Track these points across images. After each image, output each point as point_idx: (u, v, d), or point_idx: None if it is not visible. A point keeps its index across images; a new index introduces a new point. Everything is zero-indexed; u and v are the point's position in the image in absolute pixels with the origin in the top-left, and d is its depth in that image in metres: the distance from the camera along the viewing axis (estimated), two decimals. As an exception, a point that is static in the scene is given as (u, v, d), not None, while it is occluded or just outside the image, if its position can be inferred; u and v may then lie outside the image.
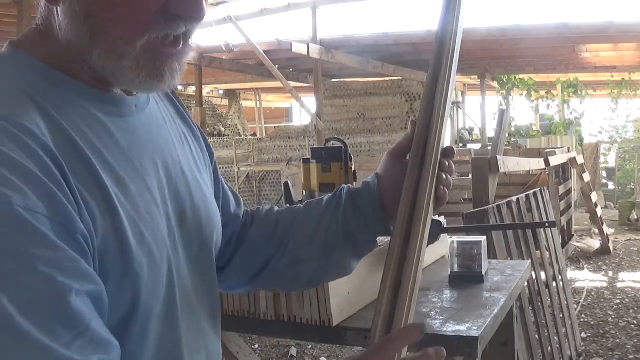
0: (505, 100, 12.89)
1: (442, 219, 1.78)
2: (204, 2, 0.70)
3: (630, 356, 3.69)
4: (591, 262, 6.39)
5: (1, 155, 0.58)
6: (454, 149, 0.91)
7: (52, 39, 0.71)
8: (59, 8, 0.69)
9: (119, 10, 0.67)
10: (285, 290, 1.44)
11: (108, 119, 0.72)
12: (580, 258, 6.51)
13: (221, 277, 0.98)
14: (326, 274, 1.02)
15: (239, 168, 10.96)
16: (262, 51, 8.02)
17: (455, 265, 1.81)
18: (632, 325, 4.26)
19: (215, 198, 0.95)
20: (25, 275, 0.55)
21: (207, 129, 12.21)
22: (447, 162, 0.89)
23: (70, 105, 0.69)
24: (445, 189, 0.88)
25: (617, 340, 3.96)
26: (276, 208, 1.05)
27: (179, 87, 11.79)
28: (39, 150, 0.61)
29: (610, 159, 14.03)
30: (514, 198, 3.40)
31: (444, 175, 0.88)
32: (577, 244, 6.88)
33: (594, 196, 7.09)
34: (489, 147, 5.29)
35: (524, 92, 13.02)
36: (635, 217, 8.72)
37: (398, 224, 0.84)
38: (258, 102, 15.13)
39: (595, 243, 6.96)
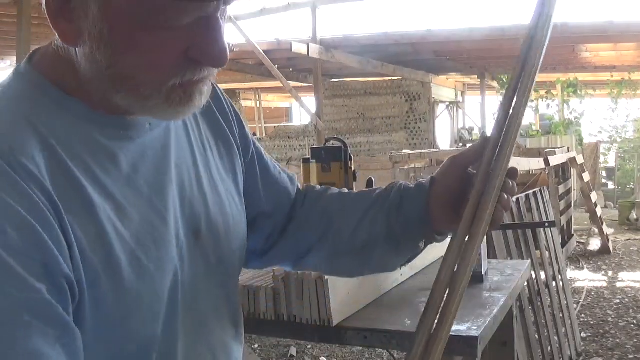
0: (505, 100, 12.85)
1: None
2: (224, 48, 0.68)
3: (630, 356, 3.69)
4: (591, 262, 6.39)
5: None
6: (517, 170, 0.86)
7: (68, 64, 0.70)
8: (78, 49, 0.68)
9: (141, 59, 0.66)
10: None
11: (114, 144, 0.72)
12: (580, 258, 6.51)
13: (271, 255, 1.00)
14: (366, 268, 1.00)
15: (239, 168, 10.94)
16: (262, 51, 8.02)
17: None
18: (632, 325, 4.25)
19: (253, 185, 0.96)
20: None
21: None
22: (510, 183, 0.83)
23: (75, 132, 0.69)
24: (503, 210, 0.82)
25: (617, 340, 3.96)
26: (332, 190, 1.02)
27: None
28: (35, 190, 0.61)
29: (610, 159, 14.03)
30: (514, 198, 3.39)
31: (505, 196, 0.82)
32: (590, 249, 6.89)
33: (594, 196, 7.09)
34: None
35: (524, 92, 12.97)
36: (635, 217, 8.71)
37: (457, 238, 0.79)
38: (258, 102, 15.12)
39: (597, 242, 6.98)
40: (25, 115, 0.66)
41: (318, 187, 1.05)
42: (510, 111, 0.83)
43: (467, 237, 0.79)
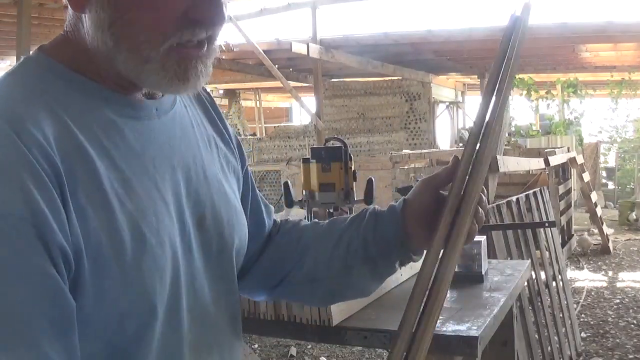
0: (505, 100, 12.85)
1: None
2: (223, 7, 0.71)
3: (630, 356, 3.70)
4: (591, 262, 6.39)
5: None
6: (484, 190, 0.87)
7: (78, 45, 0.74)
8: (86, 16, 0.72)
9: (142, 17, 0.69)
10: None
11: (123, 122, 0.74)
12: (580, 258, 6.51)
13: (243, 283, 0.99)
14: (343, 293, 1.01)
15: (239, 168, 10.95)
16: (262, 51, 8.01)
17: (456, 265, 1.81)
18: (632, 325, 4.26)
19: (244, 203, 0.96)
20: None
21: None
22: (483, 197, 0.85)
23: (86, 108, 0.72)
24: (477, 224, 0.84)
25: (617, 340, 3.96)
26: (304, 222, 1.04)
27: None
28: (38, 157, 0.62)
29: (610, 159, 14.03)
30: (514, 198, 3.40)
31: (480, 210, 0.84)
32: (579, 248, 6.88)
33: (594, 196, 7.09)
34: (489, 147, 5.27)
35: (524, 92, 13.01)
36: (635, 217, 8.72)
37: (431, 254, 0.81)
38: (258, 102, 15.11)
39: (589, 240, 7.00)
40: (36, 91, 0.69)
41: (291, 219, 1.07)
42: (484, 127, 0.84)
43: (444, 250, 0.80)
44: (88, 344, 0.65)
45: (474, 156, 0.84)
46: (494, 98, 0.84)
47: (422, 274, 0.80)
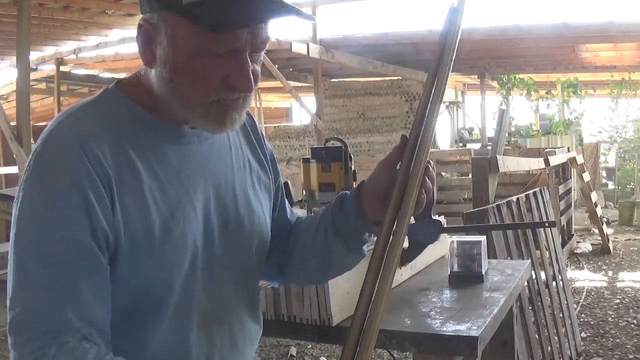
0: (505, 100, 12.88)
1: (442, 219, 1.77)
2: (250, 79, 0.93)
3: (630, 356, 3.70)
4: (591, 262, 6.39)
5: (68, 167, 0.89)
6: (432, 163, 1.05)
7: (146, 87, 0.98)
8: (153, 70, 0.95)
9: (191, 80, 0.93)
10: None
11: (168, 145, 0.99)
12: (580, 258, 6.51)
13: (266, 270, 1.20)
14: (331, 269, 1.20)
15: (239, 168, 10.96)
16: (262, 51, 8.00)
17: (455, 265, 1.81)
18: (632, 325, 4.26)
19: (274, 209, 1.20)
20: (58, 245, 0.86)
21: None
22: (431, 170, 1.03)
23: (143, 135, 0.97)
24: (426, 194, 1.01)
25: (617, 340, 3.97)
26: (304, 216, 1.27)
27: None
28: (95, 167, 0.89)
29: (610, 159, 14.04)
30: (514, 198, 3.40)
31: (427, 180, 1.01)
32: (578, 252, 6.87)
33: (594, 196, 7.10)
34: (489, 147, 5.29)
35: (524, 92, 13.01)
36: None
37: (386, 223, 0.98)
38: (258, 102, 15.11)
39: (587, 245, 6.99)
40: (108, 121, 0.95)
41: (302, 217, 1.29)
42: (427, 111, 1.02)
43: (396, 219, 0.97)
44: (119, 301, 0.92)
45: (420, 135, 1.01)
46: (434, 89, 1.01)
47: (378, 242, 0.97)
